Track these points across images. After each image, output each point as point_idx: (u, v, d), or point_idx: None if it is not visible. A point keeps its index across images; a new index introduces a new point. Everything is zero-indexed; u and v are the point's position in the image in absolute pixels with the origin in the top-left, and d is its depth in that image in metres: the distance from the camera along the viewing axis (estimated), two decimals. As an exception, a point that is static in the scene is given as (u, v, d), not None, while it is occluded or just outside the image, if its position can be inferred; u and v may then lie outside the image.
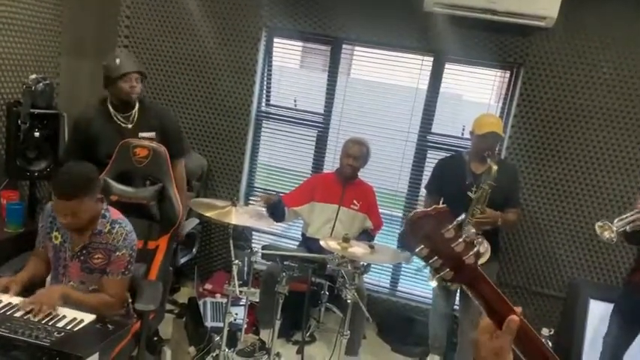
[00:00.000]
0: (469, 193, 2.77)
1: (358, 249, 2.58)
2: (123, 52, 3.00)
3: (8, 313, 1.85)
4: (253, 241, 4.07)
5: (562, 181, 3.47)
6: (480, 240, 0.93)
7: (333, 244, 2.55)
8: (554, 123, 3.42)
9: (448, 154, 3.42)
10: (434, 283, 0.91)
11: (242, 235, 3.82)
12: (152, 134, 2.86)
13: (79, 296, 2.06)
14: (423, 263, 0.94)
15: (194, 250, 3.79)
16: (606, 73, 3.31)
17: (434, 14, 3.30)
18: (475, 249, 0.90)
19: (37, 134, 3.03)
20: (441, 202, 3.03)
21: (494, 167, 2.69)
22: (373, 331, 3.72)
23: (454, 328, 3.32)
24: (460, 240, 0.91)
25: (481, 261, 2.53)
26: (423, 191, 3.75)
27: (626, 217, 2.51)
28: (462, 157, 3.04)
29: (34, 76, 3.02)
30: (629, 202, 3.32)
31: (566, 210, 3.50)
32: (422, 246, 0.91)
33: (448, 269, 0.92)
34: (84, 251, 2.15)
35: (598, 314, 3.18)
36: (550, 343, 3.30)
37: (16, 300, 1.93)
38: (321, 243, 2.61)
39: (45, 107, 3.08)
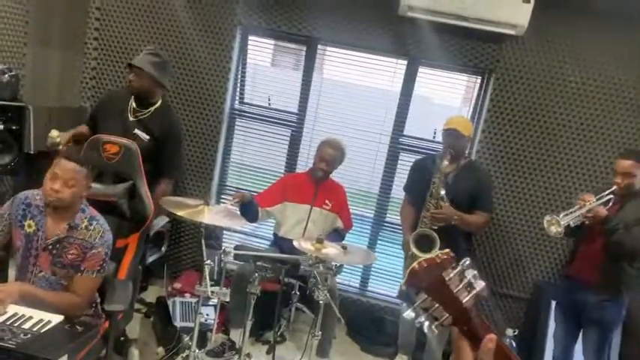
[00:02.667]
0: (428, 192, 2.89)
1: (331, 250, 2.59)
2: (156, 53, 3.02)
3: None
4: (224, 240, 4.03)
5: (529, 185, 3.58)
6: (479, 282, 0.94)
7: (306, 245, 2.55)
8: (523, 128, 3.52)
9: (422, 156, 3.46)
10: (434, 332, 0.92)
11: (213, 235, 3.79)
12: (147, 138, 2.86)
13: (44, 295, 2.01)
14: (412, 314, 0.94)
15: (163, 248, 3.73)
16: (573, 82, 3.43)
17: (408, 18, 3.36)
18: (474, 291, 0.91)
19: (1, 127, 2.92)
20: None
21: (445, 162, 2.82)
22: (343, 330, 3.74)
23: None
24: (461, 285, 0.91)
25: (427, 256, 2.58)
26: (397, 192, 3.81)
27: (572, 212, 2.66)
28: (434, 158, 3.09)
29: (-1, 66, 2.91)
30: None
31: (532, 214, 3.60)
32: (425, 296, 0.92)
33: (447, 314, 0.92)
34: (57, 245, 2.11)
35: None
36: (514, 343, 3.40)
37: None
38: (295, 244, 2.61)
39: (10, 99, 2.98)
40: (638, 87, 3.38)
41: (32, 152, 3.24)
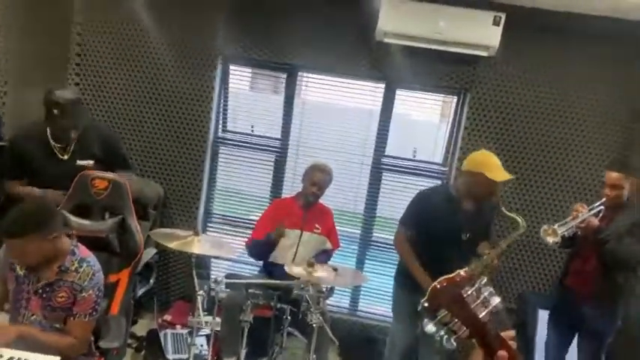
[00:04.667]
0: (463, 236, 2.76)
1: (323, 273, 2.63)
2: (75, 100, 2.90)
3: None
4: (212, 268, 4.04)
5: (508, 199, 3.68)
6: (494, 298, 1.04)
7: (298, 270, 2.59)
8: (500, 144, 3.64)
9: (427, 188, 3.27)
10: (451, 345, 1.01)
11: (202, 264, 3.79)
12: (91, 163, 2.84)
13: (41, 336, 2.00)
14: (434, 328, 1.02)
15: (151, 280, 3.71)
16: (545, 97, 3.57)
17: (385, 44, 3.47)
18: (490, 307, 1.01)
19: (-17, 167, 2.90)
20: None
21: (522, 221, 2.68)
22: (334, 352, 3.75)
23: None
24: (479, 301, 1.01)
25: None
26: (382, 211, 3.87)
27: (567, 222, 2.72)
28: (448, 192, 2.90)
29: (-19, 107, 2.90)
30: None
31: (512, 227, 3.69)
32: (445, 312, 1.01)
33: (465, 328, 1.01)
34: (47, 288, 2.09)
35: (546, 323, 3.36)
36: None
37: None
38: (286, 269, 2.64)
39: (-7, 139, 2.96)
40: (611, 101, 3.53)
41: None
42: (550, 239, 2.70)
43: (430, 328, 1.03)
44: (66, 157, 2.77)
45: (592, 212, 2.75)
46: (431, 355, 3.06)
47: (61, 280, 2.08)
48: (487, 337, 1.02)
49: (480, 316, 1.02)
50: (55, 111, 2.70)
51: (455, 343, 1.02)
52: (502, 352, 0.99)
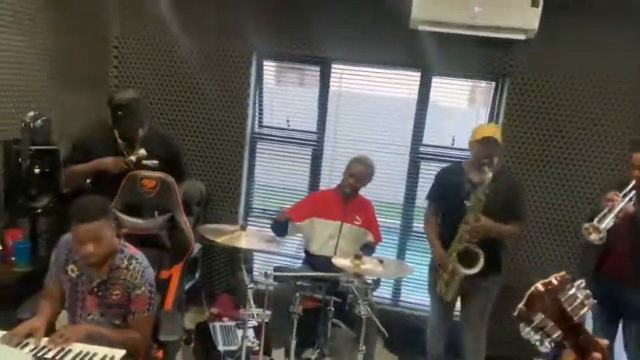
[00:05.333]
0: (465, 202, 2.81)
1: (369, 265, 2.65)
2: (135, 99, 2.99)
3: (40, 355, 1.85)
4: (254, 261, 4.10)
5: (550, 186, 3.62)
6: (590, 300, 1.08)
7: (345, 262, 2.61)
8: (540, 130, 3.58)
9: (447, 164, 3.39)
10: (546, 349, 1.06)
11: (246, 257, 3.85)
12: (156, 162, 2.92)
13: (109, 333, 2.08)
14: (532, 332, 1.05)
15: (197, 274, 3.80)
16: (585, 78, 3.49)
17: (419, 31, 3.43)
18: (585, 309, 1.03)
19: (37, 171, 3.01)
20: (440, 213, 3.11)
21: (489, 175, 2.71)
22: (379, 343, 3.77)
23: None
24: (575, 304, 1.04)
25: (473, 271, 2.58)
26: (422, 201, 3.86)
27: (605, 216, 2.58)
28: (460, 166, 3.05)
29: (32, 113, 3.00)
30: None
31: (554, 213, 3.64)
32: (542, 315, 1.04)
33: (560, 331, 1.04)
34: (102, 287, 2.16)
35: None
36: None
37: (44, 342, 1.94)
38: (334, 261, 2.67)
39: (43, 143, 3.07)
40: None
41: (65, 192, 3.35)
42: (594, 236, 2.59)
43: (527, 332, 1.06)
44: (133, 157, 2.85)
45: (627, 198, 2.63)
46: (468, 336, 3.07)
47: (113, 277, 2.15)
48: (580, 339, 1.04)
49: (575, 318, 1.04)
50: (120, 112, 2.83)
51: (549, 346, 1.03)
52: (597, 355, 1.00)
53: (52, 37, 3.40)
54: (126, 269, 2.16)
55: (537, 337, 1.07)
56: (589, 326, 3.12)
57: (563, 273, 1.10)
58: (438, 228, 3.08)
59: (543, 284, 1.08)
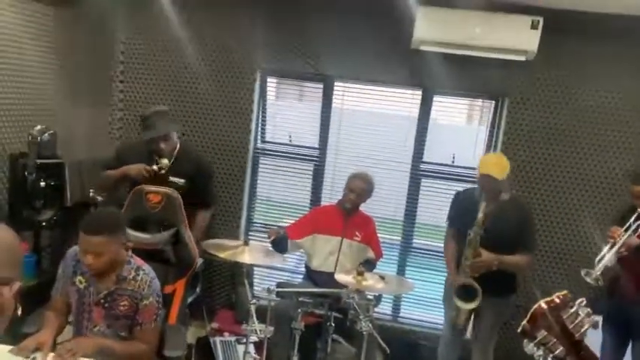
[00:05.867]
0: (469, 232, 2.80)
1: (371, 281, 2.67)
2: (158, 112, 3.13)
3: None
4: (254, 276, 4.11)
5: (550, 204, 3.66)
6: (591, 318, 1.14)
7: (347, 278, 2.64)
8: (539, 149, 3.63)
9: (466, 187, 3.37)
10: None
11: (247, 272, 3.87)
12: (182, 181, 3.03)
13: (117, 346, 2.09)
14: (535, 348, 1.11)
15: (198, 289, 3.81)
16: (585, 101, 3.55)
17: (421, 51, 3.50)
18: (586, 327, 1.09)
19: (42, 184, 3.05)
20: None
21: (481, 215, 2.73)
22: (379, 359, 3.78)
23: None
24: (576, 321, 1.10)
25: (469, 307, 2.60)
26: (420, 217, 3.90)
27: (605, 254, 2.70)
28: (473, 193, 3.02)
29: (38, 127, 3.05)
30: (614, 223, 3.50)
31: (552, 231, 3.68)
32: (545, 332, 1.10)
33: (562, 348, 1.09)
34: (109, 298, 2.17)
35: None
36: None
37: (52, 357, 1.95)
38: (336, 277, 2.70)
39: (49, 157, 3.11)
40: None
41: (70, 205, 3.37)
42: (589, 279, 2.68)
43: (530, 348, 1.11)
44: (155, 167, 2.98)
45: (629, 232, 2.69)
46: (476, 350, 3.09)
47: (120, 288, 2.17)
48: (581, 356, 1.09)
49: (577, 335, 1.09)
50: (144, 124, 3.03)
51: None
52: None
53: (58, 52, 3.45)
54: (133, 280, 2.18)
55: (540, 352, 1.11)
56: (597, 345, 3.18)
57: (565, 292, 1.15)
58: (455, 251, 3.03)
59: (546, 302, 1.13)
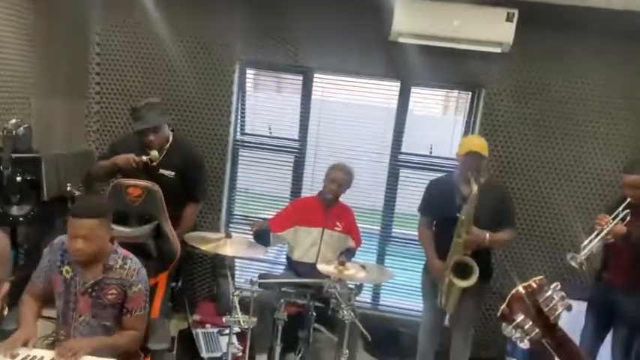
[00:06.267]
0: (458, 215, 2.87)
1: (352, 271, 2.72)
2: (148, 103, 3.11)
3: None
4: (236, 268, 4.12)
5: (524, 193, 3.77)
6: (565, 302, 1.20)
7: (329, 268, 2.68)
8: (515, 139, 3.72)
9: (439, 175, 3.41)
10: (525, 346, 1.19)
11: (228, 264, 3.88)
12: (172, 174, 3.05)
13: (111, 342, 2.12)
14: (513, 331, 1.17)
15: (179, 282, 3.80)
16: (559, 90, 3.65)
17: (399, 43, 3.54)
18: (561, 310, 1.15)
19: (18, 179, 2.99)
20: (433, 223, 3.18)
21: (474, 188, 2.78)
22: (360, 346, 3.85)
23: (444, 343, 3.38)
24: (551, 305, 1.15)
25: (468, 284, 2.70)
26: (399, 207, 3.96)
27: (592, 240, 2.80)
28: (451, 178, 3.11)
29: (14, 120, 2.98)
30: (588, 210, 3.63)
31: (528, 219, 3.79)
32: (522, 315, 1.15)
33: (537, 330, 1.15)
34: (96, 287, 2.17)
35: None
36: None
37: (41, 352, 1.95)
38: (319, 267, 2.73)
39: (25, 151, 3.05)
40: (625, 96, 3.60)
41: (46, 200, 3.33)
42: (573, 263, 2.79)
43: (509, 330, 1.17)
44: (144, 157, 2.99)
45: (617, 220, 2.79)
46: (457, 336, 3.18)
47: (108, 277, 2.18)
48: (556, 337, 1.16)
49: (552, 318, 1.15)
50: (133, 115, 3.03)
51: (529, 343, 1.14)
52: None
53: (33, 45, 3.37)
54: (121, 268, 2.20)
55: (518, 335, 1.17)
56: (575, 321, 3.28)
57: (541, 277, 1.21)
58: (432, 240, 3.12)
59: (524, 287, 1.19)
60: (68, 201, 3.40)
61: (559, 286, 1.17)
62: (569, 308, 1.16)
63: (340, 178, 3.41)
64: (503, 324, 1.18)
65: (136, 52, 3.88)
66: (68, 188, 3.40)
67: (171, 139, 3.18)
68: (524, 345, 1.15)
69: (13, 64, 3.25)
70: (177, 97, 3.90)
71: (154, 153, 3.02)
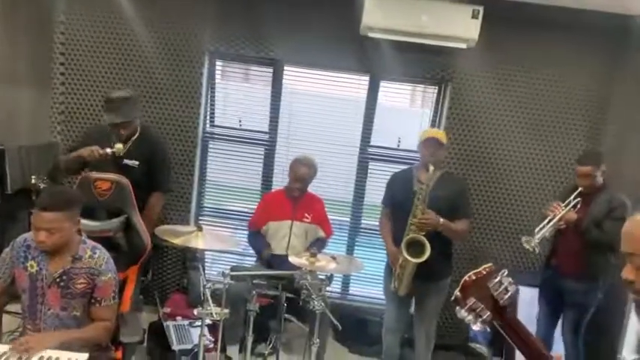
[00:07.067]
0: (414, 199, 2.96)
1: (323, 262, 2.77)
2: (123, 97, 3.10)
3: (0, 361, 1.84)
4: (206, 260, 4.13)
5: (487, 184, 3.90)
6: (513, 286, 1.29)
7: (301, 260, 2.72)
8: (479, 133, 3.84)
9: (399, 170, 3.45)
10: (477, 327, 1.30)
11: (196, 256, 3.89)
12: (136, 163, 3.04)
13: (80, 334, 2.12)
14: (466, 314, 1.29)
15: (149, 275, 3.78)
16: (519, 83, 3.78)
17: (369, 38, 3.59)
18: (509, 294, 1.28)
19: (-20, 171, 2.92)
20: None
21: (431, 169, 2.90)
22: (330, 335, 3.92)
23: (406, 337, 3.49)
24: (500, 289, 1.28)
25: (420, 260, 2.75)
26: (370, 199, 4.04)
27: (544, 226, 2.98)
28: (411, 169, 3.22)
29: (-24, 112, 2.91)
30: (548, 201, 3.77)
31: (491, 209, 3.93)
32: (473, 299, 1.28)
33: (488, 312, 1.28)
34: (64, 277, 2.16)
35: (525, 298, 3.56)
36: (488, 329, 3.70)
37: (3, 348, 1.92)
38: (290, 259, 2.78)
39: (-13, 143, 2.98)
40: (584, 91, 3.77)
41: (10, 193, 3.26)
42: (527, 245, 2.96)
43: (462, 314, 1.29)
44: (108, 150, 2.98)
45: (569, 207, 2.97)
46: (420, 332, 3.26)
47: (76, 267, 2.17)
48: (505, 319, 1.29)
49: (501, 302, 1.27)
50: (106, 107, 3.00)
51: (480, 325, 1.24)
52: None
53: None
54: (90, 258, 2.19)
55: (470, 317, 1.30)
56: (533, 308, 3.44)
57: (490, 264, 1.34)
58: (391, 230, 3.20)
59: (475, 273, 1.32)
60: (33, 194, 3.33)
61: (506, 273, 1.31)
62: (516, 292, 1.29)
63: (304, 173, 3.46)
64: (457, 307, 1.31)
65: (102, 42, 3.81)
66: (33, 181, 3.32)
67: (139, 129, 3.17)
68: (477, 327, 1.29)
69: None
70: (146, 88, 3.85)
71: (119, 146, 3.01)
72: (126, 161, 3.02)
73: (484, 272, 1.30)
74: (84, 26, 3.79)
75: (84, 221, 2.58)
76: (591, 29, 3.52)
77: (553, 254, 3.25)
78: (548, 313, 3.31)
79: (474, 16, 3.45)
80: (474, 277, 1.30)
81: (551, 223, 2.95)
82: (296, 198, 3.51)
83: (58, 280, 2.16)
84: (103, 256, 2.23)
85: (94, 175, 2.71)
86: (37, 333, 2.13)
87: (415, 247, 2.93)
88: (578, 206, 2.99)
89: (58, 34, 3.80)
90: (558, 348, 3.29)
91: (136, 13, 3.72)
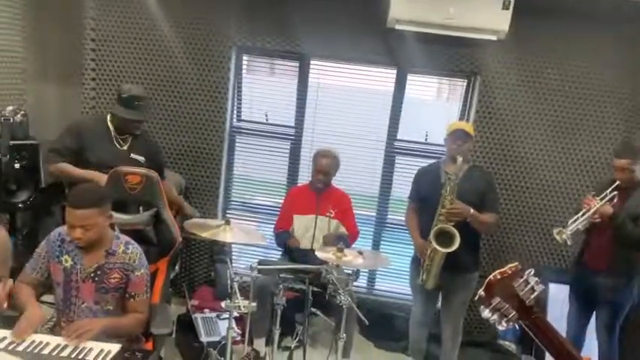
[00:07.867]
0: (442, 192, 2.93)
1: (350, 257, 2.76)
2: (141, 96, 3.04)
3: (36, 351, 1.88)
4: (232, 253, 4.17)
5: (517, 179, 3.82)
6: (539, 286, 1.26)
7: (327, 255, 2.72)
8: (509, 125, 3.76)
9: (426, 164, 3.43)
10: (502, 327, 1.28)
11: (223, 250, 3.93)
12: (142, 159, 3.00)
13: (119, 322, 2.18)
14: (490, 314, 1.26)
15: (177, 267, 3.84)
16: (550, 73, 3.68)
17: (396, 30, 3.54)
18: (535, 293, 1.25)
19: (17, 166, 3.00)
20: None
21: (459, 160, 2.87)
22: (356, 330, 3.92)
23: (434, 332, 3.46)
24: (526, 289, 1.25)
25: (450, 250, 2.71)
26: (396, 193, 4.01)
27: (578, 218, 2.90)
28: (437, 164, 3.20)
29: (10, 107, 2.98)
30: (578, 195, 3.69)
31: (520, 204, 3.85)
32: (498, 299, 1.25)
33: (514, 312, 1.25)
34: (98, 272, 2.20)
35: (558, 296, 3.50)
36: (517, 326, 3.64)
37: (40, 337, 1.97)
38: (317, 254, 2.78)
39: (22, 138, 3.06)
40: (618, 82, 3.64)
41: (44, 186, 3.34)
42: (559, 237, 2.88)
43: (486, 314, 1.26)
44: (125, 147, 2.96)
45: (605, 201, 2.88)
46: (447, 327, 3.23)
47: (110, 262, 2.21)
48: (532, 319, 1.26)
49: (527, 301, 1.24)
50: (132, 104, 2.92)
51: (505, 325, 1.21)
52: None
53: (26, 31, 3.35)
54: (123, 253, 2.24)
55: (495, 317, 1.27)
56: (550, 308, 3.38)
57: (516, 264, 1.31)
58: (418, 223, 3.17)
59: (500, 273, 1.29)
60: (65, 187, 3.41)
61: (532, 272, 1.27)
62: (542, 293, 1.25)
63: (327, 165, 3.46)
64: (482, 307, 1.28)
65: (131, 38, 3.86)
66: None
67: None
68: (502, 327, 1.26)
69: (5, 50, 3.23)
70: (174, 83, 3.89)
71: None
72: (133, 156, 2.99)
73: (509, 272, 1.28)
74: (113, 22, 3.85)
75: (115, 214, 2.65)
76: (625, 19, 3.39)
77: (585, 249, 3.15)
78: (580, 312, 3.23)
79: (505, 6, 3.36)
80: (498, 277, 1.28)
81: (586, 216, 2.87)
82: (320, 190, 3.51)
83: (92, 274, 2.20)
84: (136, 251, 2.27)
85: (124, 169, 2.74)
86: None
87: (444, 238, 2.90)
88: (615, 200, 2.90)
89: (88, 30, 3.86)
90: (588, 349, 3.22)
91: (164, 9, 3.75)
